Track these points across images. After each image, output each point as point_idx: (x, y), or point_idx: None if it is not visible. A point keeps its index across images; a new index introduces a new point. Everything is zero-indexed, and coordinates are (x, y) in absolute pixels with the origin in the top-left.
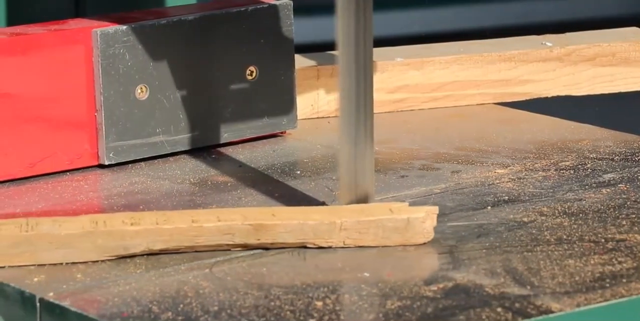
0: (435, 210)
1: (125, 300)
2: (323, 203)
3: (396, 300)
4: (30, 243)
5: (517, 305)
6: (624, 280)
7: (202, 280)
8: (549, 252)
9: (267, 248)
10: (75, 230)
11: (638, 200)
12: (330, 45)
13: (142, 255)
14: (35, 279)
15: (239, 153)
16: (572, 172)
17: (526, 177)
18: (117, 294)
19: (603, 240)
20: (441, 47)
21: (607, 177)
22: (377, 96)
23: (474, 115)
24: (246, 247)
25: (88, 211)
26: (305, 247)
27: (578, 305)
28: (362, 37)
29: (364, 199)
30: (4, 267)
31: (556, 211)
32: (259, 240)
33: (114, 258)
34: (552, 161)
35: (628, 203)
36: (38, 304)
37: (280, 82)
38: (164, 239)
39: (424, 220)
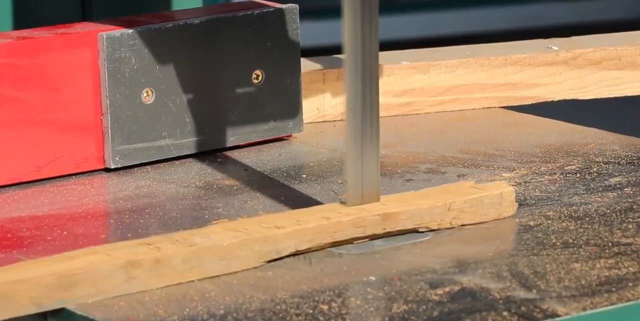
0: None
1: (131, 304)
2: None
3: (402, 304)
4: (198, 257)
5: (523, 308)
6: (630, 284)
7: (207, 283)
8: (555, 256)
9: (380, 237)
10: (232, 239)
11: None
12: (337, 49)
13: (290, 256)
14: None
15: (245, 157)
16: (578, 175)
17: (532, 180)
18: (123, 297)
19: (609, 244)
20: (447, 50)
21: (613, 180)
22: (383, 100)
23: (480, 118)
24: (368, 238)
25: (95, 214)
26: (417, 231)
27: (584, 309)
28: (368, 40)
29: (370, 203)
30: (179, 284)
31: (562, 215)
32: (384, 229)
33: (265, 263)
34: (558, 165)
35: (634, 207)
36: None
37: (287, 86)
38: (309, 239)
39: (512, 194)
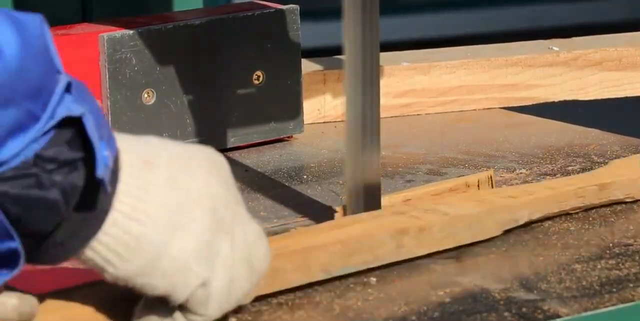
0: None
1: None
2: (330, 208)
3: (403, 305)
4: (452, 225)
5: (524, 309)
6: (631, 285)
7: None
8: (556, 257)
9: (594, 207)
10: (479, 207)
11: None
12: (337, 50)
13: (524, 226)
14: None
15: (246, 158)
16: None
17: (533, 181)
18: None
19: (610, 245)
20: (448, 51)
21: None
22: (383, 100)
23: (481, 119)
24: (582, 209)
25: None
26: (624, 203)
27: (585, 310)
28: (369, 41)
29: (370, 203)
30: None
31: (563, 216)
32: (600, 199)
33: (502, 233)
34: (559, 165)
35: (634, 207)
36: None
37: (287, 87)
38: (540, 209)
39: None
